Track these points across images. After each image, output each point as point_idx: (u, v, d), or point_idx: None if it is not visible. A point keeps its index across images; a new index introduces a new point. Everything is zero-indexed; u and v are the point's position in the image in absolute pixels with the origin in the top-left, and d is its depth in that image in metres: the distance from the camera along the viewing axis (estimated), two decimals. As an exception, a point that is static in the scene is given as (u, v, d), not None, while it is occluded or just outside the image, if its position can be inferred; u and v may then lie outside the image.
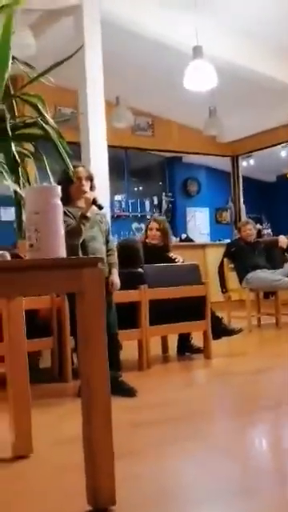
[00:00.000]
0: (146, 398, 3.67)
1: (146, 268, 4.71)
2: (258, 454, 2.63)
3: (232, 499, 2.03)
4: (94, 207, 3.90)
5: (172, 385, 4.15)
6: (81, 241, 3.86)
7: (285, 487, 2.14)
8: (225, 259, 7.02)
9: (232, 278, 6.98)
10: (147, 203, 11.23)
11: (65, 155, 2.27)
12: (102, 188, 5.55)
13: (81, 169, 4.05)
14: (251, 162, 11.30)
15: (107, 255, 4.08)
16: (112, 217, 9.69)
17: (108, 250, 4.11)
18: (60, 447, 2.64)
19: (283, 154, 10.97)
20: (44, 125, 2.26)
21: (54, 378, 4.27)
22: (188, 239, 10.24)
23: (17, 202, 2.24)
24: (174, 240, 9.93)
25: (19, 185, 2.23)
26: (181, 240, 10.14)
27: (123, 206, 10.81)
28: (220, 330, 5.25)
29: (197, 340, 5.13)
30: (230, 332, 5.36)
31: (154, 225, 5.49)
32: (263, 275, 6.66)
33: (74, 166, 3.96)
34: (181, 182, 11.64)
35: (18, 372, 2.52)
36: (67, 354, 4.12)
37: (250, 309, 6.66)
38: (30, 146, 2.42)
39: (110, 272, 4.09)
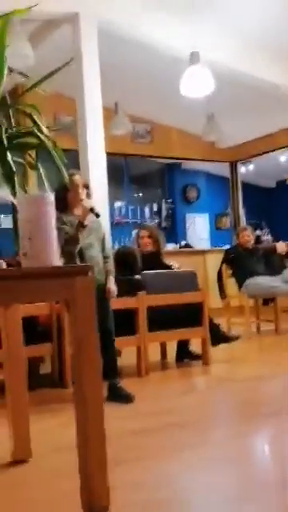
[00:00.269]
0: (145, 405, 3.68)
1: (144, 275, 4.73)
2: (258, 462, 2.64)
3: (232, 507, 2.03)
4: (91, 215, 3.92)
5: (170, 391, 4.16)
6: (78, 248, 3.89)
7: (285, 495, 2.13)
8: (223, 265, 7.04)
9: (231, 284, 6.99)
10: (147, 210, 11.26)
11: (60, 164, 2.30)
12: (100, 195, 5.58)
13: (77, 177, 4.08)
14: (250, 167, 11.31)
15: (104, 262, 4.11)
16: (112, 224, 9.70)
17: (104, 258, 4.13)
18: (59, 453, 2.65)
19: (283, 159, 11.00)
20: (39, 134, 2.29)
21: (55, 383, 4.29)
22: (187, 246, 10.27)
23: (13, 210, 2.26)
24: (173, 247, 10.02)
25: (15, 194, 2.25)
26: (180, 247, 10.17)
27: (123, 212, 10.84)
28: (218, 336, 5.25)
29: (195, 346, 5.14)
30: (228, 339, 5.37)
31: (143, 233, 5.50)
32: (262, 281, 6.67)
33: (71, 174, 4.00)
34: (180, 189, 11.66)
35: (16, 378, 2.54)
36: (67, 360, 4.14)
37: (249, 315, 6.67)
38: (32, 155, 2.45)
39: (106, 279, 4.11)
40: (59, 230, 3.80)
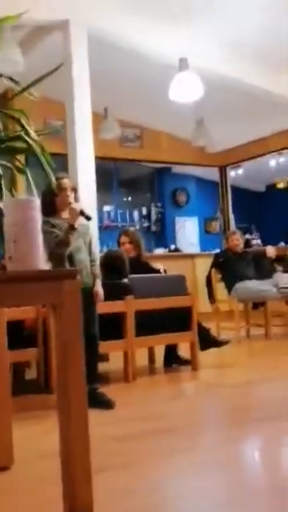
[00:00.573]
0: (131, 411, 3.65)
1: (132, 279, 4.70)
2: (248, 467, 2.62)
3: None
4: (80, 218, 3.89)
5: (158, 397, 4.12)
6: (68, 252, 3.86)
7: (274, 501, 2.11)
8: (213, 269, 7.02)
9: (220, 288, 6.98)
10: (136, 214, 11.25)
11: (47, 169, 2.28)
12: (89, 199, 5.57)
13: (65, 180, 4.05)
14: (240, 171, 11.33)
15: (90, 266, 4.08)
16: (100, 228, 9.69)
17: (91, 261, 4.10)
18: (43, 459, 2.62)
19: (272, 163, 11.02)
20: (27, 138, 2.27)
21: (40, 389, 4.24)
22: (177, 250, 10.26)
23: (0, 214, 2.24)
24: (163, 251, 10.01)
25: (1, 197, 2.23)
26: (170, 251, 10.16)
27: (112, 216, 10.82)
28: (208, 341, 5.23)
29: (184, 351, 5.11)
30: (217, 343, 5.33)
31: (124, 239, 5.46)
32: (251, 285, 6.67)
33: (59, 178, 3.97)
34: (170, 193, 11.67)
35: (-1, 384, 2.50)
36: (53, 366, 4.09)
37: (239, 319, 6.66)
38: (21, 159, 2.43)
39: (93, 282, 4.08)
40: (49, 233, 3.81)
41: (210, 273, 7.04)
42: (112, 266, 4.59)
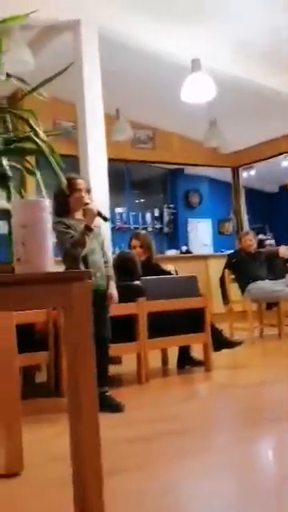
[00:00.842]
0: (144, 413, 3.64)
1: (144, 280, 4.68)
2: (261, 468, 2.59)
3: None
4: (96, 219, 3.85)
5: (171, 398, 4.10)
6: (83, 253, 3.82)
7: None
8: (226, 270, 6.99)
9: (234, 289, 6.95)
10: (148, 215, 11.23)
11: (57, 169, 2.26)
12: (102, 201, 5.54)
13: (80, 181, 4.00)
14: (252, 172, 11.28)
15: (104, 267, 4.05)
16: (113, 229, 9.68)
17: (104, 263, 4.07)
18: (54, 463, 2.60)
19: (285, 164, 10.95)
20: (36, 139, 2.26)
21: (50, 392, 4.22)
22: (188, 251, 10.23)
23: (7, 216, 2.23)
24: (174, 252, 9.98)
25: (10, 199, 2.22)
26: (181, 252, 10.13)
27: (124, 218, 10.81)
28: (221, 341, 5.21)
29: (197, 353, 5.08)
30: (230, 344, 5.31)
31: (135, 242, 5.42)
32: (264, 286, 6.63)
33: (73, 178, 3.95)
34: (182, 194, 11.63)
35: (9, 388, 2.48)
36: (63, 369, 4.08)
37: (252, 320, 6.62)
38: (31, 161, 2.42)
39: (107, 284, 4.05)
40: (63, 233, 3.79)
41: (223, 273, 7.01)
42: (124, 267, 4.57)
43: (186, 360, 5.15)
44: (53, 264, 2.03)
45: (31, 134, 2.29)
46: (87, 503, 1.80)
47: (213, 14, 6.29)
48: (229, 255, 7.48)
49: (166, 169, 11.30)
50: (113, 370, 4.68)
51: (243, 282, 6.73)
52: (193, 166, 10.72)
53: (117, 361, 5.25)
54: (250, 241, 7.04)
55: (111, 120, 8.23)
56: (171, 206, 11.53)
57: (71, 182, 3.90)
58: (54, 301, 2.02)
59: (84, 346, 1.85)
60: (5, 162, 2.21)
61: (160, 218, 11.38)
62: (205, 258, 9.50)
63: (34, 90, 2.47)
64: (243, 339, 5.57)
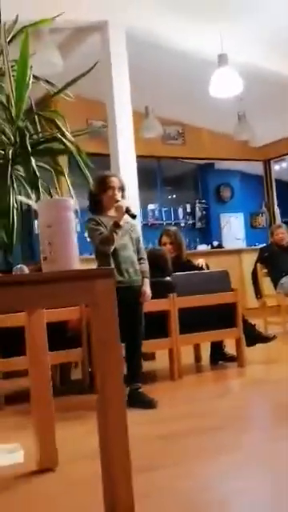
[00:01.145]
0: (177, 409, 3.64)
1: (175, 276, 4.68)
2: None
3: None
4: (126, 216, 3.87)
5: (204, 395, 4.10)
6: (112, 249, 3.84)
7: None
8: (258, 264, 6.94)
9: (266, 283, 6.90)
10: (180, 211, 11.21)
11: (84, 168, 2.29)
12: (132, 198, 5.58)
13: (114, 178, 4.02)
14: (284, 165, 11.18)
15: (138, 264, 4.05)
16: (145, 226, 9.71)
17: (139, 259, 4.07)
18: (86, 460, 2.62)
19: (316, 155, 10.83)
20: (63, 139, 2.29)
21: (84, 389, 4.26)
22: (219, 246, 10.19)
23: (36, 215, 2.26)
24: (205, 247, 9.94)
25: (39, 199, 2.25)
26: (212, 247, 10.09)
27: (156, 214, 10.81)
28: (254, 336, 5.18)
29: (230, 348, 5.06)
30: (264, 339, 5.28)
31: (165, 239, 5.38)
32: (297, 279, 6.56)
33: (107, 176, 3.98)
34: (214, 189, 11.57)
35: (41, 385, 2.51)
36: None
37: (286, 314, 6.56)
38: (64, 161, 2.46)
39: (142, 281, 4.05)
40: (93, 230, 3.82)
41: (255, 268, 6.95)
42: (155, 264, 4.57)
43: (219, 356, 5.13)
44: (78, 262, 2.06)
45: (58, 135, 2.32)
46: (117, 501, 1.81)
47: (239, 8, 6.28)
48: (261, 249, 7.42)
49: (196, 164, 11.27)
50: (146, 366, 4.71)
51: (276, 276, 6.67)
52: (224, 160, 10.66)
53: (150, 357, 5.27)
54: (282, 234, 6.97)
55: (141, 118, 8.28)
56: (203, 201, 11.48)
57: (105, 180, 3.93)
58: (78, 298, 2.05)
59: (110, 343, 1.87)
60: (33, 162, 2.25)
61: (192, 214, 11.35)
62: (238, 252, 9.45)
63: (59, 91, 2.50)
64: (276, 334, 5.52)
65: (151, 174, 10.49)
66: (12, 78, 2.28)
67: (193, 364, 5.18)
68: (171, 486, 2.25)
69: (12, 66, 2.33)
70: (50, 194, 2.41)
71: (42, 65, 5.28)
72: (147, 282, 4.06)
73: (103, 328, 1.88)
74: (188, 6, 6.18)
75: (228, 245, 10.53)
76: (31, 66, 2.37)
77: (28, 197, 2.32)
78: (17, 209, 2.32)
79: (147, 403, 3.64)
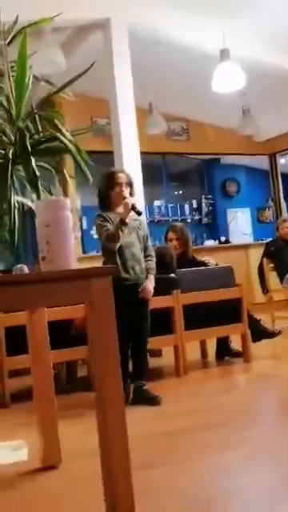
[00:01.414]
0: (182, 405, 3.64)
1: (179, 273, 4.68)
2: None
3: (275, 507, 1.98)
4: (132, 213, 3.84)
5: (210, 391, 4.09)
6: (118, 246, 3.84)
7: None
8: (264, 259, 6.92)
9: (273, 277, 6.88)
10: (187, 207, 11.20)
11: (84, 167, 2.30)
12: (136, 195, 5.58)
13: (121, 174, 4.00)
14: (289, 158, 11.15)
15: (145, 261, 4.02)
16: (152, 222, 9.71)
17: (146, 256, 4.04)
18: (89, 458, 2.62)
19: None
20: (62, 138, 2.30)
21: (90, 387, 4.25)
22: (227, 241, 10.17)
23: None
24: (213, 243, 9.93)
25: (39, 199, 2.26)
26: (220, 242, 10.08)
27: (162, 211, 10.81)
28: (259, 332, 5.17)
29: (236, 344, 5.06)
30: (269, 334, 5.26)
31: (171, 235, 5.36)
32: (303, 274, 6.54)
33: (114, 172, 3.98)
34: (219, 184, 11.55)
35: (44, 383, 2.53)
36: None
37: (293, 309, 6.55)
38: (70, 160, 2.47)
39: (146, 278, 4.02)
40: (100, 226, 3.82)
41: (261, 262, 6.94)
42: (161, 261, 4.56)
43: (224, 351, 5.13)
44: (75, 261, 2.07)
45: (57, 134, 2.33)
46: (117, 498, 1.82)
47: (240, 3, 6.26)
48: (267, 243, 7.40)
49: (201, 159, 11.25)
50: (153, 362, 4.72)
51: (282, 271, 6.65)
52: (228, 155, 10.64)
53: (157, 354, 5.28)
54: (288, 228, 6.95)
55: (145, 114, 8.28)
56: (209, 196, 11.47)
57: (112, 176, 3.93)
58: (75, 297, 2.05)
59: (107, 341, 1.88)
60: (33, 162, 2.26)
61: (198, 209, 11.34)
62: (245, 247, 9.44)
63: (58, 90, 2.52)
64: (282, 329, 5.50)
65: (156, 170, 10.48)
66: (12, 78, 2.30)
67: (199, 360, 5.18)
68: (175, 483, 2.25)
69: (12, 67, 2.35)
70: (50, 193, 2.42)
71: (45, 64, 5.30)
72: (151, 277, 4.01)
73: (100, 326, 1.89)
74: (189, 2, 6.19)
75: (235, 240, 10.51)
76: (31, 66, 2.38)
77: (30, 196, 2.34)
78: (18, 209, 2.33)
79: (151, 400, 3.65)
